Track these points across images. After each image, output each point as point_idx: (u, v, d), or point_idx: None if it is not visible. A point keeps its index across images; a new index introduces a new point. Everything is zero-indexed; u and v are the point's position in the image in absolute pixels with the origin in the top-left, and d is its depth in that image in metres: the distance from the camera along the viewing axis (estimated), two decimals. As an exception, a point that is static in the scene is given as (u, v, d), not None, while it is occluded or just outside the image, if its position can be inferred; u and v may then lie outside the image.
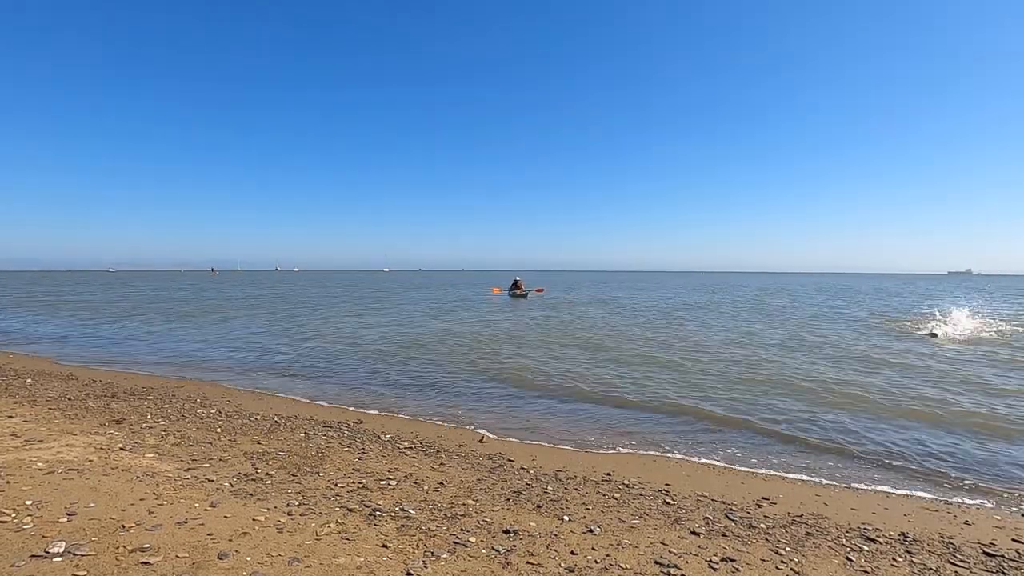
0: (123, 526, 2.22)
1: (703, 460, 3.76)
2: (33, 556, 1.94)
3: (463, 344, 9.64)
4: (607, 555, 2.17)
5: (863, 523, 2.64)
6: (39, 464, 2.97)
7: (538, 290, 29.06)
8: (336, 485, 2.91)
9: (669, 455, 3.87)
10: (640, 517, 2.61)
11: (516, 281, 26.09)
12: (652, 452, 3.94)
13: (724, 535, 2.42)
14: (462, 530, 2.36)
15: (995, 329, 10.95)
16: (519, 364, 7.63)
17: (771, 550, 2.28)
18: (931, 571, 2.13)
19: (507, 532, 2.36)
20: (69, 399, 4.94)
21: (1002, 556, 2.28)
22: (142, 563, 1.93)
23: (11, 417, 4.13)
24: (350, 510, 2.54)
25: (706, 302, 22.28)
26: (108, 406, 4.72)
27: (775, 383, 6.25)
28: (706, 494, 3.01)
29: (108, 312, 16.85)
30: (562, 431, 4.52)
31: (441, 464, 3.44)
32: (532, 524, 2.47)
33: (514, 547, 2.21)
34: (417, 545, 2.19)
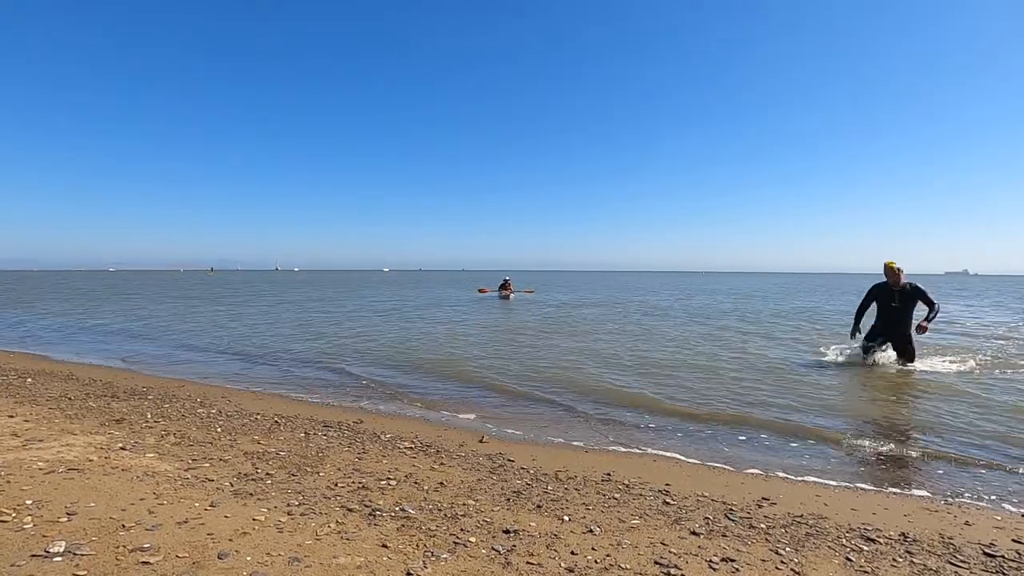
0: (123, 526, 2.22)
1: (703, 460, 3.76)
2: (33, 556, 1.94)
3: (460, 344, 9.65)
4: (607, 555, 2.17)
5: (863, 523, 2.63)
6: (39, 464, 2.98)
7: (527, 291, 28.98)
8: (336, 485, 2.91)
9: (669, 455, 3.87)
10: (640, 517, 2.61)
11: (505, 281, 26.03)
12: (652, 452, 3.94)
13: (724, 535, 2.42)
14: (462, 530, 2.36)
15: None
16: (517, 366, 7.63)
17: (771, 550, 2.28)
18: (931, 571, 2.13)
19: (507, 532, 2.36)
20: (69, 399, 4.95)
21: (1002, 556, 2.28)
22: (142, 563, 1.93)
23: (11, 417, 4.13)
24: (350, 510, 2.54)
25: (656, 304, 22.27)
26: (108, 406, 4.72)
27: (774, 383, 6.25)
28: (706, 494, 3.01)
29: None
30: (562, 431, 4.52)
31: (441, 464, 3.44)
32: (532, 524, 2.47)
33: (514, 547, 2.21)
34: (417, 545, 2.19)
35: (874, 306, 7.11)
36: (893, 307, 6.87)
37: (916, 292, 6.79)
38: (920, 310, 6.89)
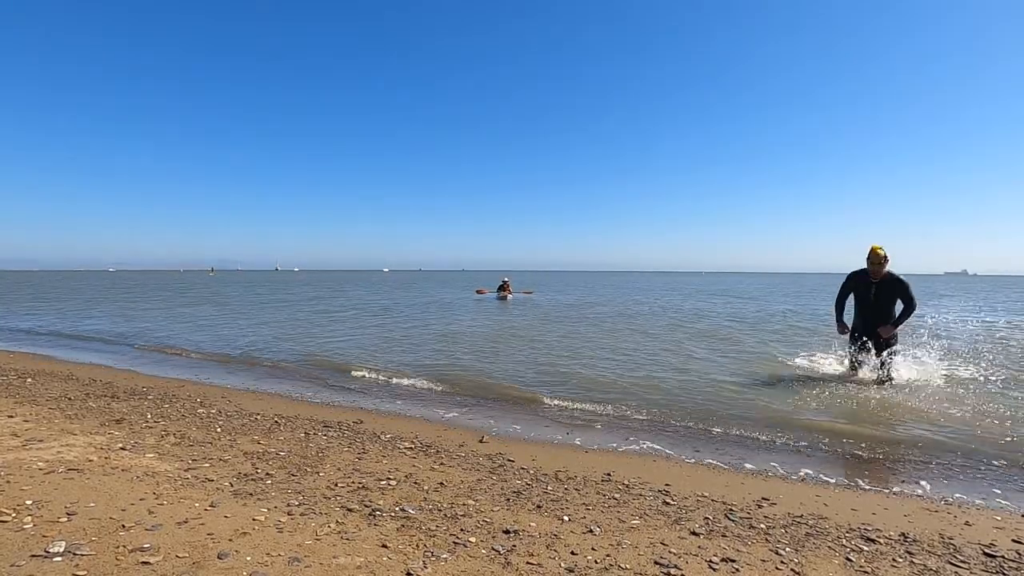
0: (123, 526, 2.22)
1: (703, 461, 3.76)
2: (33, 556, 1.94)
3: (461, 344, 9.64)
4: (607, 555, 2.17)
5: (863, 523, 2.64)
6: (39, 464, 2.98)
7: (526, 292, 28.88)
8: (336, 485, 2.91)
9: (669, 455, 3.87)
10: (640, 517, 2.61)
11: (504, 282, 25.90)
12: (652, 452, 3.94)
13: (724, 535, 2.42)
14: (462, 530, 2.36)
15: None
16: (517, 366, 7.63)
17: (771, 550, 2.28)
18: (931, 571, 2.13)
19: (507, 532, 2.36)
20: (69, 399, 4.95)
21: (1002, 556, 2.28)
22: (142, 563, 1.93)
23: (11, 417, 4.13)
24: (350, 510, 2.54)
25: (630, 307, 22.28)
26: (108, 406, 4.72)
27: (769, 385, 6.26)
28: (706, 494, 3.01)
29: None
30: (561, 431, 4.52)
31: (441, 464, 3.44)
32: (532, 524, 2.47)
33: (514, 547, 2.21)
34: (417, 545, 2.19)
35: (852, 302, 6.24)
36: (870, 301, 6.01)
37: (896, 285, 5.87)
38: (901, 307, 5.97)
